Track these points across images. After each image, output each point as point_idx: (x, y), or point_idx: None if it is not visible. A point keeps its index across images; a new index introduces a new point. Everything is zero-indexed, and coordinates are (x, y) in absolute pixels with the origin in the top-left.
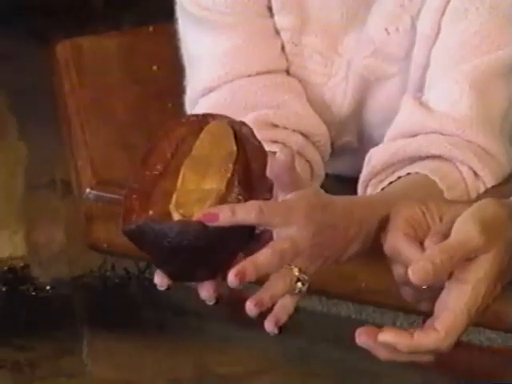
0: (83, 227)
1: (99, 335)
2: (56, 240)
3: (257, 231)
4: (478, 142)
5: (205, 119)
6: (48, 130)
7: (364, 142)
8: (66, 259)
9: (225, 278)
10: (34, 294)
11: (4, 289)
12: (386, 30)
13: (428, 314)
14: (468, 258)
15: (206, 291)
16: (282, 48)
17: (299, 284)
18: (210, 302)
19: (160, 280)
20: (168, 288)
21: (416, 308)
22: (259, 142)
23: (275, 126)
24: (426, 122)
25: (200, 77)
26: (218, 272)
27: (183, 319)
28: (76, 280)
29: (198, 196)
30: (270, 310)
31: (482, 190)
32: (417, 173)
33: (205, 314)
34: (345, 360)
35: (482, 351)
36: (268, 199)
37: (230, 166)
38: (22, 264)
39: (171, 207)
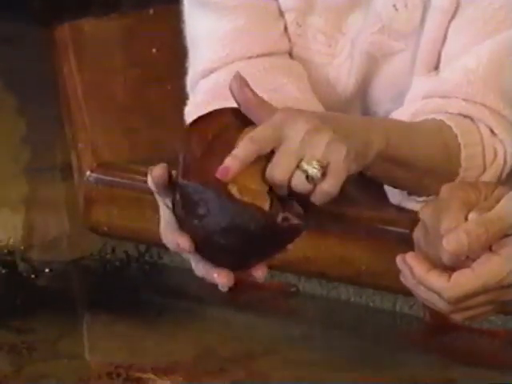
0: (83, 210)
1: (99, 318)
2: (56, 223)
3: None
4: (493, 106)
5: (246, 120)
6: (48, 113)
7: None
8: (65, 242)
9: (247, 274)
10: (33, 276)
11: (3, 271)
12: (394, 6)
13: None
14: (506, 233)
15: (225, 278)
16: (285, 29)
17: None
18: (224, 289)
19: (183, 241)
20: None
21: None
22: None
23: None
24: (441, 88)
25: (201, 58)
26: (241, 267)
27: (183, 302)
28: (76, 263)
29: (255, 187)
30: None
31: (499, 146)
32: (433, 118)
33: (205, 297)
34: (344, 343)
35: (482, 334)
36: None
37: None
38: (21, 247)
39: (231, 187)
